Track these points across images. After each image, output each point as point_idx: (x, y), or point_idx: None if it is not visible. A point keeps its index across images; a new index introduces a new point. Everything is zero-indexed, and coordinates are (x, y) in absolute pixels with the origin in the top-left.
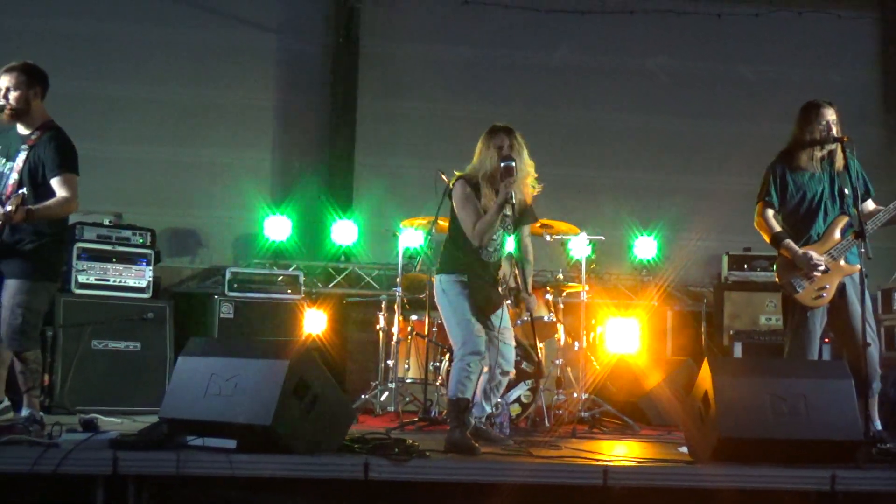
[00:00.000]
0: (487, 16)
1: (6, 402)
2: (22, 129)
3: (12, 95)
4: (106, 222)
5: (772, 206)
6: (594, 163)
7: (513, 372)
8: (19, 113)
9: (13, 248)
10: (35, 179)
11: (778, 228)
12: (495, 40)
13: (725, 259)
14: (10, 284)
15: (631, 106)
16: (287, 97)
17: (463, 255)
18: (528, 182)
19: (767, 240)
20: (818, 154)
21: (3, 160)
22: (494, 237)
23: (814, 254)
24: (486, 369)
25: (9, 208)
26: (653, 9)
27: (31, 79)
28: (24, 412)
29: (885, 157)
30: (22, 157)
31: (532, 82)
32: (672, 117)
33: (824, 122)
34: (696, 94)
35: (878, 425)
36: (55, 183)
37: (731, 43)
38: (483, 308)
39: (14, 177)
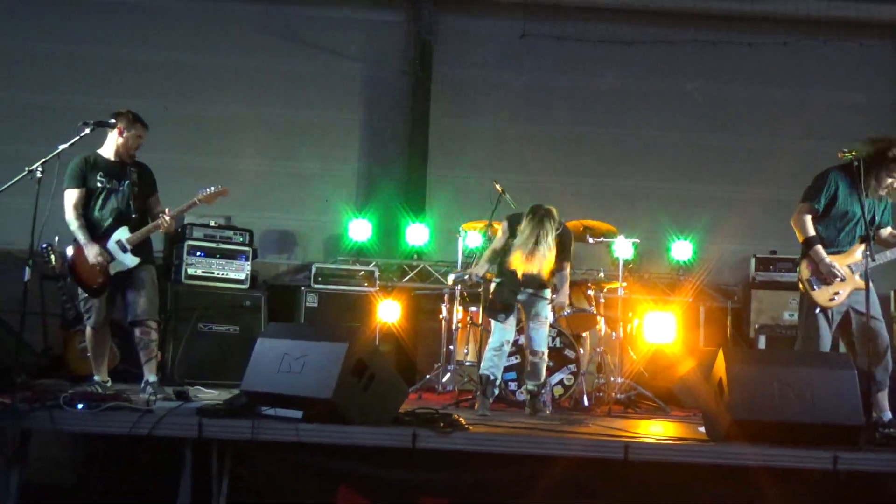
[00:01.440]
0: (543, 47)
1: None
2: (118, 158)
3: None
4: (212, 224)
5: (815, 212)
6: (637, 175)
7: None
8: None
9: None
10: None
11: (812, 233)
12: (550, 68)
13: (753, 261)
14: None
15: (670, 124)
16: (369, 117)
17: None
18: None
19: (801, 239)
20: (873, 183)
21: (114, 181)
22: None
23: (836, 263)
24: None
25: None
26: (691, 39)
27: None
28: (151, 378)
29: None
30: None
31: (582, 104)
32: (707, 134)
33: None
34: (729, 114)
35: (888, 415)
36: None
37: (761, 68)
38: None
39: (135, 190)
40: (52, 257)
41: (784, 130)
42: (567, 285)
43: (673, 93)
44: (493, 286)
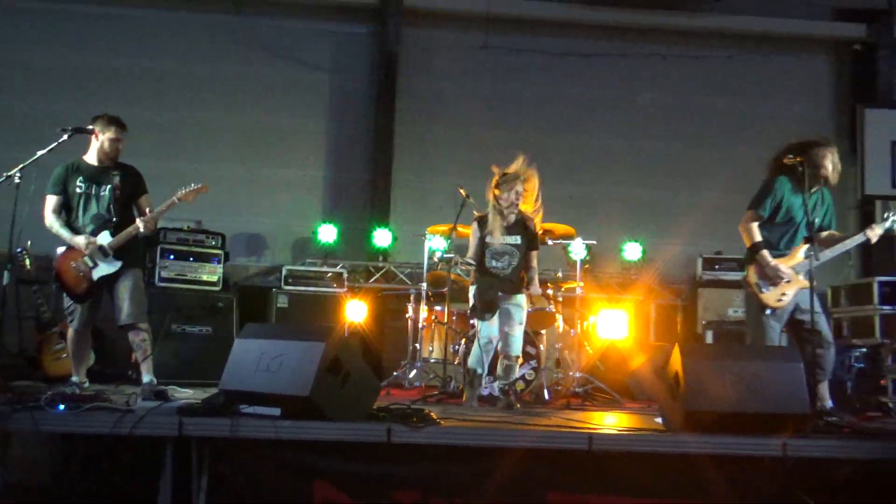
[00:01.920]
0: (503, 58)
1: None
2: (102, 163)
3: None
4: (185, 228)
5: (761, 218)
6: (592, 180)
7: (517, 356)
8: None
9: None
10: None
11: (759, 239)
12: (511, 78)
13: (700, 261)
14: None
15: (623, 133)
16: (337, 124)
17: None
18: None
19: (748, 245)
20: (813, 187)
21: (94, 185)
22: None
23: (783, 266)
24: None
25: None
26: (643, 52)
27: None
28: (146, 378)
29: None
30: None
31: (541, 113)
32: (657, 143)
33: (832, 163)
34: (679, 124)
35: (830, 403)
36: None
37: (708, 80)
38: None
39: (117, 194)
40: (28, 261)
41: (729, 139)
42: (536, 276)
43: (626, 103)
44: (471, 290)
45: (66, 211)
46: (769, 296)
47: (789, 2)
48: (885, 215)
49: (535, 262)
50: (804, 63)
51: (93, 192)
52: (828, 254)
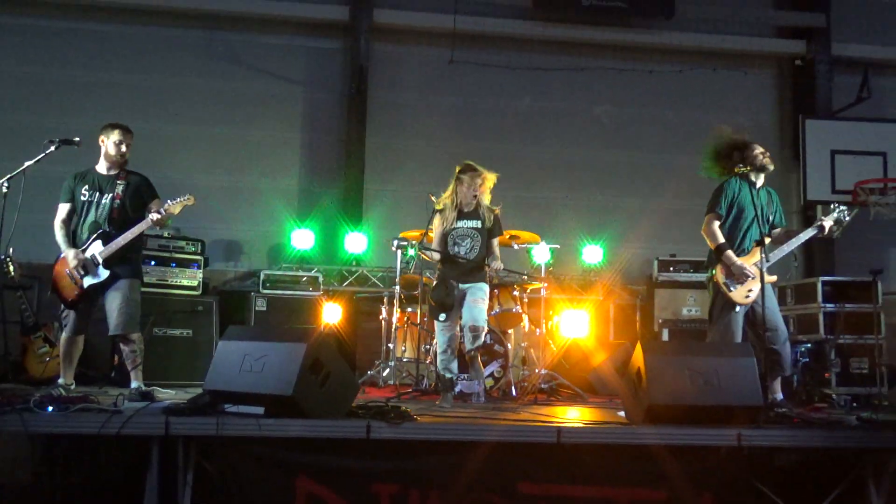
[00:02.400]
0: (469, 72)
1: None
2: (110, 171)
3: (126, 150)
4: (165, 234)
5: (720, 219)
6: (554, 187)
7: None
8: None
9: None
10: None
11: (722, 240)
12: (476, 91)
13: (655, 263)
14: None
15: (582, 142)
16: (310, 135)
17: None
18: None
19: (712, 247)
20: (759, 181)
21: (97, 193)
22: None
23: (746, 265)
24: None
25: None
26: (598, 66)
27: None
28: (133, 384)
29: (782, 185)
30: (120, 189)
31: (504, 123)
32: (614, 152)
33: (759, 151)
34: (633, 134)
35: (780, 396)
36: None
37: (660, 93)
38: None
39: (116, 203)
40: (11, 267)
41: (680, 148)
42: (499, 258)
43: (583, 114)
44: (430, 289)
45: (74, 217)
46: (737, 294)
47: (735, 20)
48: (832, 206)
49: (497, 250)
50: (749, 77)
51: (94, 199)
52: (777, 253)
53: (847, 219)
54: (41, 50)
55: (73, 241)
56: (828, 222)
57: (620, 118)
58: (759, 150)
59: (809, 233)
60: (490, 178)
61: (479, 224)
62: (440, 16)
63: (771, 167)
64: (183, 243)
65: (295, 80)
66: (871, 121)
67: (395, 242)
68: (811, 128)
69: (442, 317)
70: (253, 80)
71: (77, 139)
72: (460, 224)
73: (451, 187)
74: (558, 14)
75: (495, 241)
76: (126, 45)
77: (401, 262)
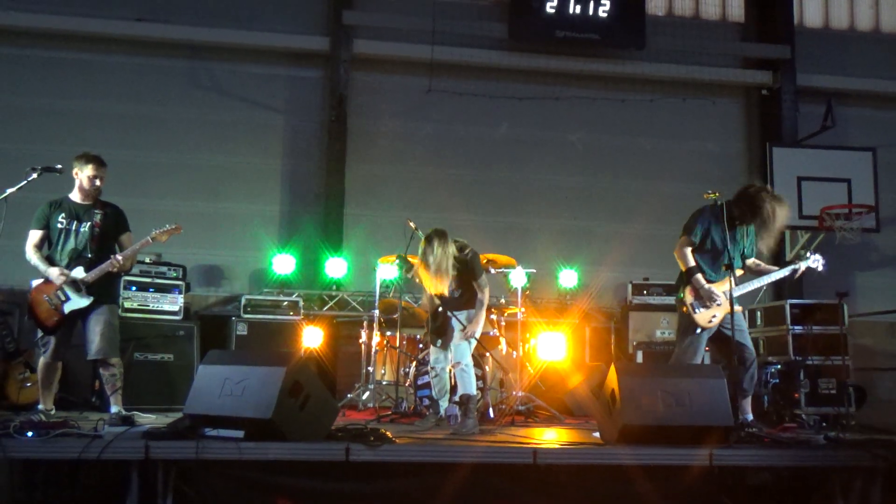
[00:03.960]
0: (446, 101)
1: (53, 410)
2: (85, 201)
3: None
4: (147, 260)
5: (693, 245)
6: (529, 212)
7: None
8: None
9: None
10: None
11: (693, 263)
12: (453, 119)
13: (629, 287)
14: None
15: (556, 169)
16: (291, 162)
17: None
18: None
19: (682, 269)
20: (738, 225)
21: (74, 222)
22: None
23: (715, 290)
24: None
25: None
26: (572, 95)
27: None
28: (114, 409)
29: None
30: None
31: (481, 151)
32: (588, 178)
33: (766, 215)
34: (606, 161)
35: (750, 416)
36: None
37: (632, 121)
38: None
39: (96, 231)
40: None
41: (652, 175)
42: (482, 312)
43: (558, 142)
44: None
45: (49, 245)
46: (701, 317)
47: (704, 51)
48: (813, 257)
49: (482, 296)
50: (718, 106)
51: (72, 227)
52: (755, 283)
53: (821, 269)
54: (24, 79)
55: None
56: (801, 267)
57: (594, 145)
58: (779, 223)
59: (782, 273)
60: (418, 271)
61: (456, 272)
62: (418, 46)
63: (763, 234)
64: (164, 269)
65: (276, 109)
66: (836, 148)
67: (413, 224)
68: (778, 155)
69: (438, 342)
70: (235, 108)
71: (59, 166)
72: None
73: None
74: (533, 45)
75: (479, 288)
76: (110, 75)
77: (380, 286)
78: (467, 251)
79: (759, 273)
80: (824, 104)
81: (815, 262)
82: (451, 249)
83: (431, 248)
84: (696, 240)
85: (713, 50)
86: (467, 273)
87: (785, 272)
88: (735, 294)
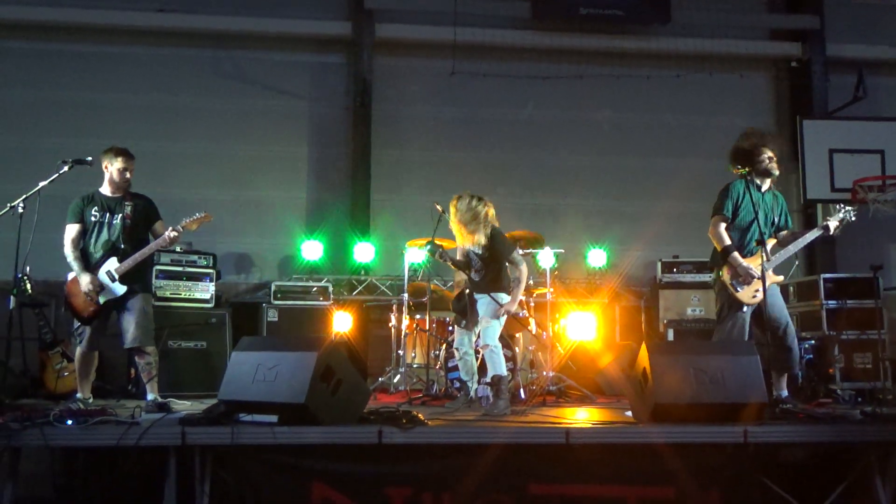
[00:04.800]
0: (471, 83)
1: (91, 398)
2: (115, 193)
3: (129, 176)
4: (178, 249)
5: (726, 221)
6: (557, 192)
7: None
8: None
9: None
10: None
11: (729, 242)
12: (477, 101)
13: (659, 265)
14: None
15: (583, 148)
16: (317, 149)
17: None
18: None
19: (718, 249)
20: (763, 187)
21: (107, 214)
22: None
23: (753, 265)
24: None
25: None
26: (597, 73)
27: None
28: (150, 397)
29: (782, 185)
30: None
31: (506, 132)
32: (615, 157)
33: (767, 156)
34: (633, 139)
35: (785, 392)
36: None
37: (658, 98)
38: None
39: (128, 223)
40: (28, 285)
41: (680, 151)
42: (518, 289)
43: (584, 121)
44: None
45: (84, 237)
46: (744, 294)
47: (730, 24)
48: (837, 207)
49: (519, 274)
50: (746, 80)
51: (105, 220)
52: (790, 249)
53: (852, 218)
54: (53, 73)
55: (86, 260)
56: (833, 223)
57: (620, 123)
58: (766, 154)
59: (814, 234)
60: (452, 215)
61: (482, 251)
62: (441, 28)
63: (775, 173)
64: (195, 257)
65: (301, 95)
66: (868, 119)
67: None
68: (808, 128)
69: (463, 323)
70: (260, 96)
71: (89, 159)
72: (469, 247)
73: None
74: (557, 23)
75: (513, 267)
76: (135, 67)
77: (408, 270)
78: (490, 230)
79: (795, 239)
80: (855, 74)
81: (846, 212)
82: (488, 208)
83: (466, 200)
84: (728, 215)
85: (740, 22)
86: (492, 251)
87: (816, 232)
88: (771, 266)
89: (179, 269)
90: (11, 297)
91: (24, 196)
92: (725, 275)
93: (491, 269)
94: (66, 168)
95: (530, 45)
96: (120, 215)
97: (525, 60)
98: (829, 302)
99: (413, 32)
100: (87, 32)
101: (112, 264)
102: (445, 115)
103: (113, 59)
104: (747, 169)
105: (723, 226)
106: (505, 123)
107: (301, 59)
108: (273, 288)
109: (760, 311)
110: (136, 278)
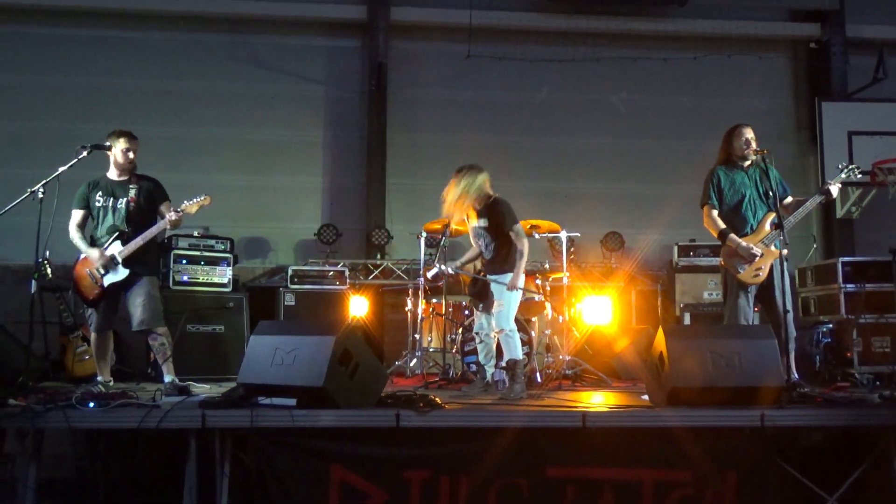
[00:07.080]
0: (486, 66)
1: (111, 381)
2: (121, 176)
3: (133, 156)
4: (195, 234)
5: (714, 207)
6: (573, 176)
7: (502, 330)
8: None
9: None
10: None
11: (723, 226)
12: (493, 84)
13: (675, 249)
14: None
15: (599, 132)
16: (333, 133)
17: None
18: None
19: (715, 235)
20: (744, 164)
21: (111, 198)
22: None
23: (752, 244)
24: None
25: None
26: (613, 56)
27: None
28: (167, 378)
29: (799, 165)
30: (133, 193)
31: (521, 116)
32: (631, 140)
33: (744, 139)
34: (649, 122)
35: (796, 375)
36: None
37: (675, 80)
38: None
39: (132, 206)
40: (48, 270)
41: (697, 134)
42: (521, 263)
43: (600, 104)
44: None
45: (89, 222)
46: (745, 274)
47: (748, 4)
48: (839, 166)
49: (519, 247)
50: (764, 61)
51: (109, 204)
52: (792, 220)
53: (857, 176)
54: (67, 58)
55: (92, 243)
56: (834, 186)
57: (637, 106)
58: (743, 138)
59: (816, 199)
60: (447, 191)
61: (486, 223)
62: (456, 11)
63: (750, 158)
64: (213, 242)
65: (316, 80)
66: (888, 101)
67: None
68: (827, 110)
69: (480, 306)
70: (275, 81)
71: (108, 143)
72: (475, 223)
73: None
74: (573, 5)
75: (513, 238)
76: (150, 51)
77: (424, 254)
78: (492, 198)
79: (798, 207)
80: (875, 55)
81: (848, 171)
82: (481, 179)
83: (459, 176)
84: (714, 202)
85: (758, 3)
86: (495, 222)
87: (818, 197)
88: (776, 239)
89: (197, 252)
90: (33, 282)
91: (43, 181)
92: (725, 257)
93: (499, 242)
94: (84, 153)
95: (546, 27)
96: (124, 199)
97: (540, 43)
98: (848, 285)
99: (428, 16)
100: (102, 17)
101: (115, 248)
102: (460, 99)
103: (128, 45)
104: (724, 154)
105: (714, 213)
106: (521, 107)
107: (316, 43)
108: (290, 272)
109: (766, 291)
110: (141, 261)
